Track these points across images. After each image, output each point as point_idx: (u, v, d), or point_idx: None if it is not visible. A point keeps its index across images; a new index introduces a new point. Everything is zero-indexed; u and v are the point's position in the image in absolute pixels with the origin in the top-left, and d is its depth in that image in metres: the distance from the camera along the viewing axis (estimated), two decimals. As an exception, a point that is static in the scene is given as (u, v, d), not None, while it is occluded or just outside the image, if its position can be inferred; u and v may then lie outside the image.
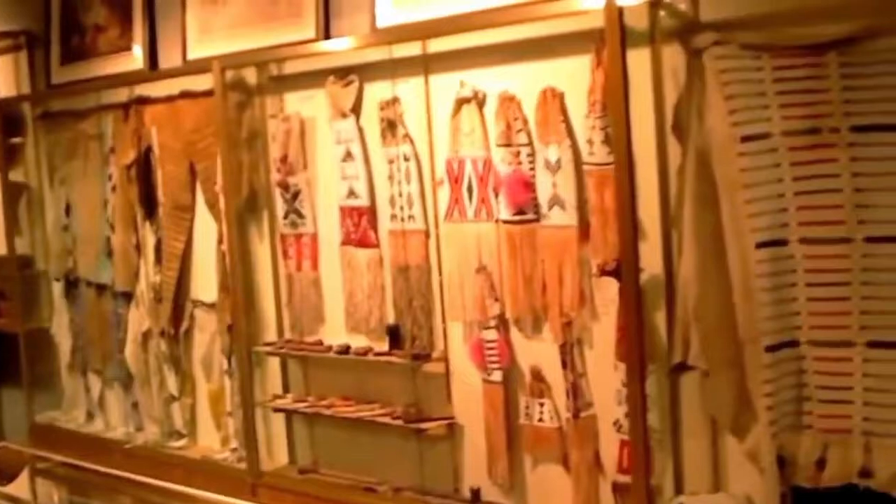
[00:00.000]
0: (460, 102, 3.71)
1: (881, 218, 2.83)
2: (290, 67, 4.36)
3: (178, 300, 4.94)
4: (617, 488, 3.44)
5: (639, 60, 3.23)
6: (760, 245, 2.94)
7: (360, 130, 4.06)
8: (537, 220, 3.54)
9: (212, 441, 4.93)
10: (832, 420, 2.94)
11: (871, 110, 2.82)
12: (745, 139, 2.94)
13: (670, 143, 3.22)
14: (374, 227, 4.07)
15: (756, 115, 2.95)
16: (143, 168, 4.97)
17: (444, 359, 3.91)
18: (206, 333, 4.87)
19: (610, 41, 3.13)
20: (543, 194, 3.50)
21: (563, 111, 3.46)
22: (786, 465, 2.99)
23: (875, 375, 2.87)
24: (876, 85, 2.81)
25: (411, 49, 3.84)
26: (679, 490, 3.33)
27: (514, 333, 3.70)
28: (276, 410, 4.52)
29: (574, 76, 3.41)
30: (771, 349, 2.95)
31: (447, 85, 3.77)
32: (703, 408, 3.22)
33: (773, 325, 2.95)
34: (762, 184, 2.94)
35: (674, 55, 3.18)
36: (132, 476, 4.95)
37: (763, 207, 2.94)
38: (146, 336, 5.10)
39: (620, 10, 3.12)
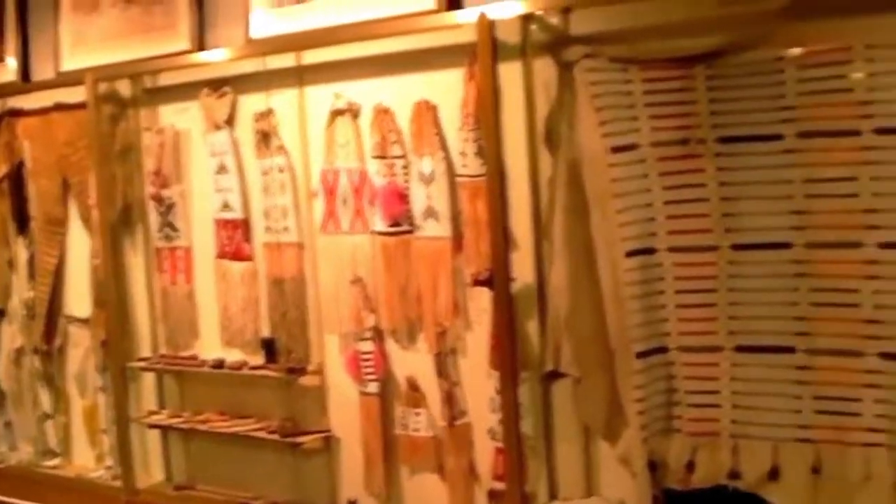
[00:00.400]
0: (335, 114, 3.68)
1: (747, 226, 2.86)
2: (165, 79, 4.27)
3: (52, 316, 4.78)
4: (492, 495, 3.42)
5: (511, 73, 3.23)
6: (630, 254, 2.95)
7: (235, 142, 3.99)
8: (412, 231, 3.51)
9: (86, 459, 4.78)
10: (701, 423, 2.97)
11: (737, 122, 2.86)
12: (616, 150, 2.95)
13: (542, 155, 3.21)
14: (249, 239, 4.00)
15: (626, 126, 2.96)
16: (15, 182, 4.81)
17: (320, 371, 3.84)
18: (80, 349, 4.72)
19: (482, 54, 3.14)
20: (418, 206, 3.48)
21: (437, 123, 3.44)
22: (657, 469, 3.00)
23: (742, 379, 2.90)
24: (741, 97, 2.85)
25: (286, 60, 3.79)
26: (553, 495, 3.31)
27: (390, 344, 3.66)
28: (152, 427, 4.39)
29: (448, 89, 3.40)
30: (641, 355, 2.96)
31: (322, 97, 3.73)
32: (576, 414, 3.22)
33: (643, 331, 2.96)
34: (632, 194, 2.95)
35: (545, 68, 3.18)
36: (5, 499, 4.77)
37: (633, 217, 2.95)
38: (19, 353, 4.93)
39: (492, 24, 3.13)
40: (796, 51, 2.77)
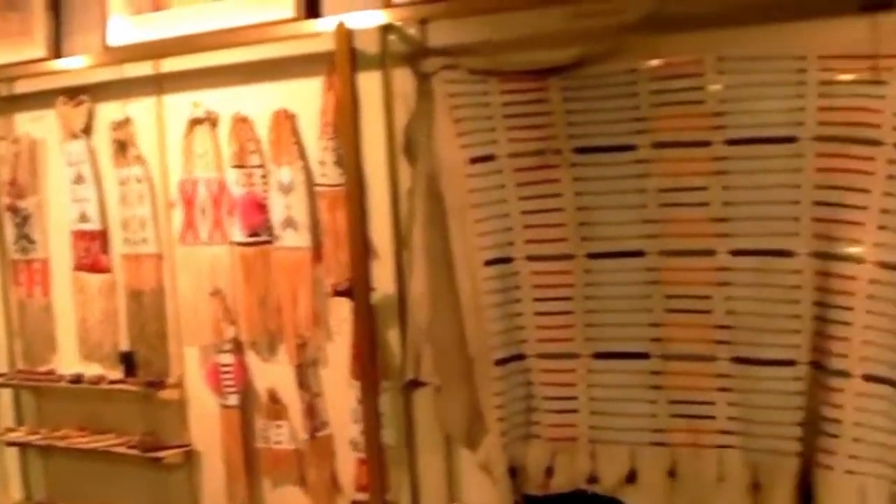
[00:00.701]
0: (193, 123, 3.61)
1: (602, 235, 2.88)
2: (21, 87, 4.14)
3: None
4: (355, 506, 3.38)
5: (370, 83, 3.20)
6: (489, 263, 2.94)
7: (92, 152, 3.89)
8: (271, 241, 3.46)
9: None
10: (559, 429, 2.98)
11: (592, 132, 2.87)
12: (474, 161, 2.95)
13: (402, 165, 3.19)
14: (107, 251, 3.90)
15: (484, 137, 2.96)
16: None
17: (180, 385, 3.76)
18: (-65, 366, 4.54)
19: (340, 64, 3.11)
20: (277, 216, 3.43)
21: (296, 133, 3.40)
22: (517, 474, 3.00)
23: (599, 385, 2.92)
24: (595, 108, 2.86)
25: (144, 69, 3.70)
26: (416, 504, 3.30)
27: (250, 356, 3.60)
28: (10, 444, 4.24)
29: (307, 98, 3.36)
30: (500, 363, 2.96)
31: (180, 105, 3.65)
32: (437, 422, 3.20)
33: (502, 339, 2.96)
34: (490, 204, 2.95)
35: (404, 79, 3.15)
36: None
37: (491, 227, 2.95)
38: None
39: (350, 34, 3.11)
40: (649, 63, 2.79)
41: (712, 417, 2.81)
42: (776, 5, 2.68)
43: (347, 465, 3.42)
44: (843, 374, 2.62)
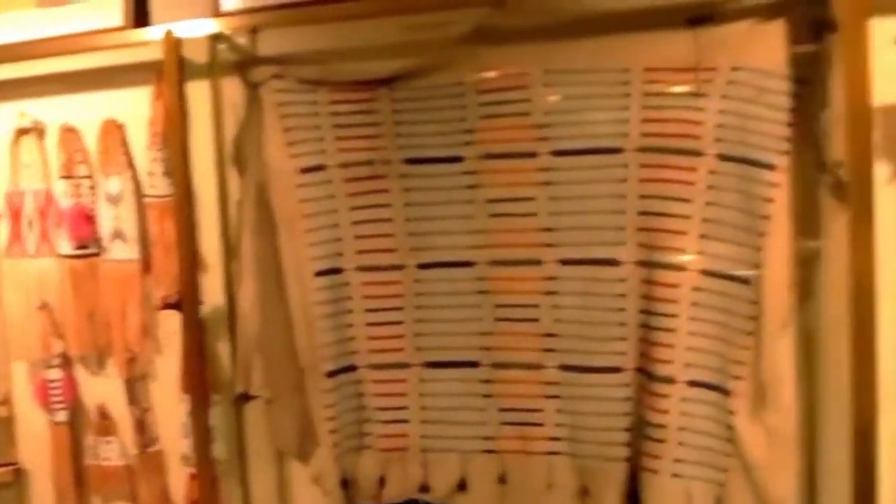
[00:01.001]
0: (20, 133, 3.45)
1: (431, 245, 2.87)
2: None
3: None
4: (187, 522, 3.30)
5: (200, 93, 3.12)
6: (319, 273, 2.91)
7: (-86, 163, 3.70)
8: (99, 254, 3.34)
9: None
10: (391, 439, 2.96)
11: (421, 143, 2.86)
12: (304, 171, 2.90)
13: (232, 175, 3.12)
14: (-70, 264, 3.71)
15: (314, 147, 2.92)
16: None
17: (7, 401, 3.59)
18: None
19: (168, 73, 3.01)
20: (105, 227, 3.31)
21: (125, 143, 3.29)
22: (349, 486, 2.98)
23: (430, 394, 2.91)
24: (424, 120, 2.85)
25: (-33, 77, 3.55)
26: (248, 519, 3.24)
27: (80, 371, 3.47)
28: None
29: (136, 108, 3.26)
30: (331, 374, 2.93)
31: (6, 115, 3.49)
32: (269, 435, 3.14)
33: (333, 350, 2.93)
34: (320, 214, 2.91)
35: (234, 88, 3.08)
36: None
37: (321, 237, 2.91)
38: None
39: (179, 42, 3.02)
40: (478, 75, 2.79)
41: (541, 425, 2.82)
42: (603, 19, 2.71)
43: (179, 480, 3.34)
44: (668, 379, 2.65)
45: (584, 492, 2.82)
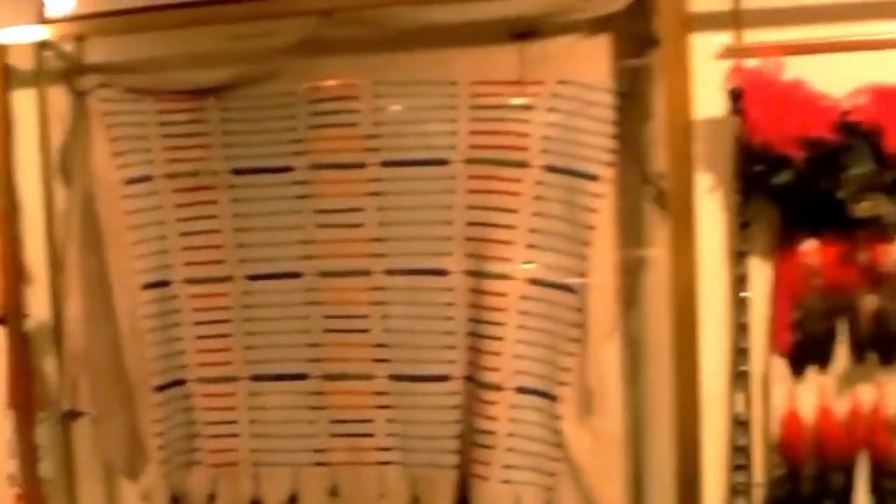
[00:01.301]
0: None
1: (260, 256, 2.83)
2: None
3: None
4: (15, 544, 3.18)
5: (25, 101, 3.02)
6: (146, 286, 2.84)
7: None
8: (-80, 268, 3.20)
9: None
10: (222, 454, 2.90)
11: (250, 154, 2.81)
12: (130, 182, 2.84)
13: (58, 186, 3.03)
14: None
15: (140, 157, 2.85)
16: None
17: None
18: None
19: (-8, 81, 2.92)
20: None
21: (-53, 154, 3.16)
22: (180, 502, 2.92)
23: (259, 408, 2.87)
24: (253, 130, 2.81)
25: None
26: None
27: None
28: None
29: (-41, 118, 3.14)
30: (159, 389, 2.86)
31: None
32: (97, 453, 3.05)
33: (162, 364, 2.86)
34: (147, 226, 2.85)
35: (61, 97, 2.99)
36: None
37: (148, 249, 2.85)
38: None
39: (3, 50, 2.93)
40: (307, 86, 2.77)
41: (372, 435, 2.81)
42: (432, 32, 2.70)
43: (5, 500, 3.18)
44: (497, 387, 2.66)
45: (415, 500, 2.81)
